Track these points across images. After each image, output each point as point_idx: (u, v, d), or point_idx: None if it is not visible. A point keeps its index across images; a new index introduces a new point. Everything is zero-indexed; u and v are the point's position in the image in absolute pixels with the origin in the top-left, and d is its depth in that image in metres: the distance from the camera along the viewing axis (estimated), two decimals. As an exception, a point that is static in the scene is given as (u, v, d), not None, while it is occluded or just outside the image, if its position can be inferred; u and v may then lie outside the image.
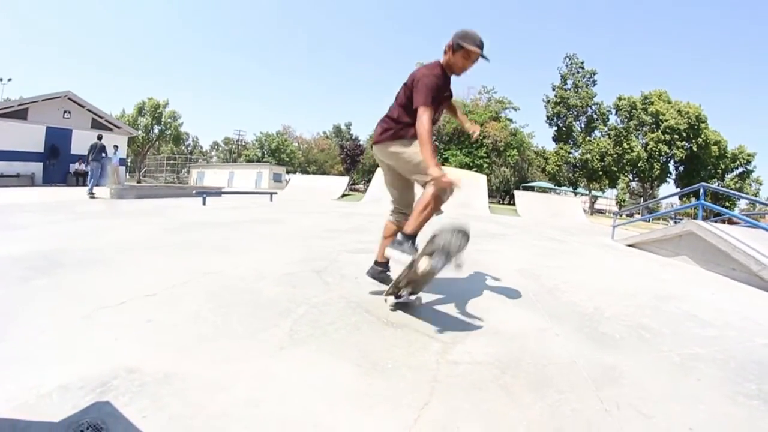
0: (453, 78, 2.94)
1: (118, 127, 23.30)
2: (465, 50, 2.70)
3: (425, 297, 3.06)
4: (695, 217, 8.51)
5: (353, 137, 69.18)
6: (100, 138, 13.07)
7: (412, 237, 2.64)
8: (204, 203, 10.45)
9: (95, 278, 3.07)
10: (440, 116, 3.07)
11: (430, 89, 2.63)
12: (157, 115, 51.13)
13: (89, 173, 12.86)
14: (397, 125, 2.81)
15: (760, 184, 51.74)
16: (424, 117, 2.55)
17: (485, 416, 1.62)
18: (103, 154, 12.63)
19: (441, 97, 2.80)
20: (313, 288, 3.12)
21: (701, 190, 8.11)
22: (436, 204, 2.69)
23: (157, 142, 54.74)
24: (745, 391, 2.06)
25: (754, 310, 3.89)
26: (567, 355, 2.31)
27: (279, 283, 3.18)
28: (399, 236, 2.71)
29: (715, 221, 11.15)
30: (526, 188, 48.64)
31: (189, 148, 68.11)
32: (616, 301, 3.58)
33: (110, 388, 1.55)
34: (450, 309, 2.89)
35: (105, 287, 2.85)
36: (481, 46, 2.69)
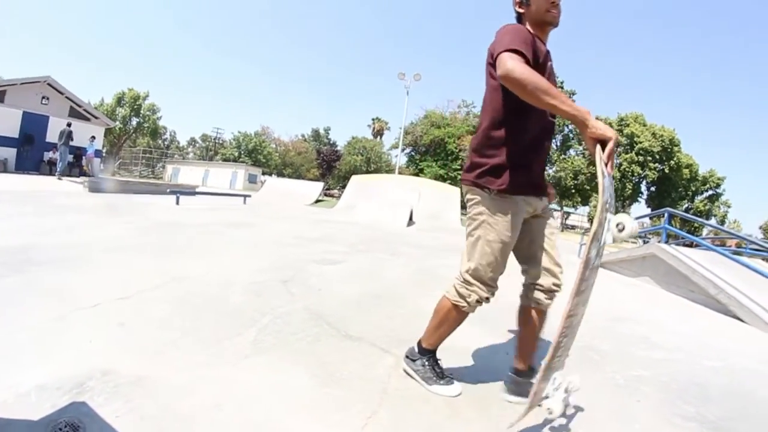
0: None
1: (96, 117, 22.44)
2: None
3: (380, 311, 3.24)
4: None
5: (331, 142, 69.20)
6: (69, 125, 13.00)
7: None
8: (177, 202, 10.42)
9: (69, 278, 3.14)
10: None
11: (514, 36, 1.76)
12: (136, 106, 50.25)
13: (58, 157, 12.89)
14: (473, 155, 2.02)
15: (729, 207, 53.98)
16: (509, 62, 1.64)
17: (427, 426, 1.77)
18: (71, 141, 12.61)
19: (539, 62, 1.84)
20: (279, 298, 3.24)
21: (666, 214, 8.51)
22: None
23: (134, 135, 53.67)
24: (683, 413, 2.21)
25: (707, 332, 4.14)
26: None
27: (246, 292, 3.30)
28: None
29: (688, 243, 11.67)
30: None
31: (166, 143, 66.86)
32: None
33: (86, 389, 1.66)
34: (407, 324, 3.02)
35: (79, 288, 2.92)
36: None
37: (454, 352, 2.63)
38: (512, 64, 1.63)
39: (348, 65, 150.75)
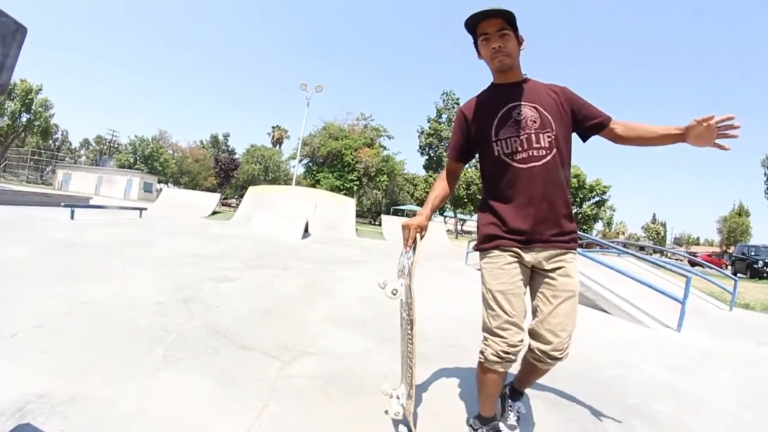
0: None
1: None
2: (474, 37, 1.92)
3: (269, 324, 3.63)
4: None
5: (230, 149, 66.53)
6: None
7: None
8: (72, 217, 9.83)
9: None
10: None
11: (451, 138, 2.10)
12: (27, 101, 42.60)
13: None
14: None
15: (614, 211, 58.61)
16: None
17: (307, 413, 2.23)
18: None
19: (485, 118, 1.93)
20: (181, 317, 3.51)
21: None
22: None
23: (23, 133, 45.85)
24: (528, 393, 2.53)
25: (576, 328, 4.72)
26: (381, 370, 2.84)
27: (151, 313, 3.51)
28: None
29: (580, 244, 12.86)
30: (396, 211, 50.19)
31: (57, 143, 59.97)
32: (443, 324, 4.12)
33: (27, 412, 1.87)
34: (292, 334, 3.46)
35: None
36: (472, 17, 1.80)
37: (334, 356, 3.09)
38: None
39: (250, 72, 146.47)
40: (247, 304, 4.19)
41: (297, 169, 38.89)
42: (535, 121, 1.82)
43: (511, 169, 1.84)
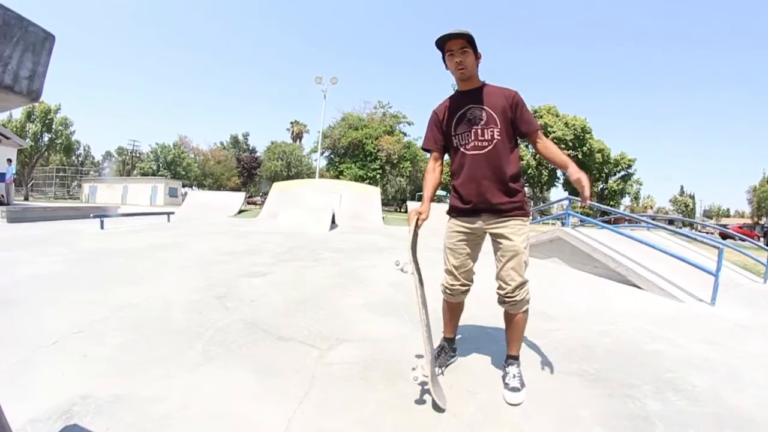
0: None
1: (7, 138, 19.35)
2: (442, 53, 2.43)
3: (305, 315, 3.66)
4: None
5: (250, 148, 67.29)
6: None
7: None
8: (102, 227, 10.10)
9: (19, 320, 3.19)
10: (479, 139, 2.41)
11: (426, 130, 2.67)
12: (47, 121, 45.17)
13: None
14: None
15: (640, 185, 57.69)
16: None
17: (348, 399, 2.25)
18: None
19: (454, 119, 2.48)
20: (217, 313, 3.56)
21: (567, 201, 9.23)
22: None
23: (46, 152, 48.18)
24: (565, 370, 2.63)
25: (604, 301, 4.62)
26: (418, 353, 2.81)
27: (187, 311, 3.58)
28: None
29: (607, 221, 12.71)
30: (422, 197, 49.73)
31: (80, 159, 61.88)
32: (475, 305, 3.97)
33: (73, 414, 1.92)
34: (328, 322, 3.49)
35: (34, 328, 3.01)
36: (441, 37, 2.32)
37: (370, 342, 3.12)
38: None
39: (264, 70, 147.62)
40: (281, 296, 4.21)
41: (319, 162, 39.13)
42: (482, 119, 2.38)
43: (464, 156, 2.45)
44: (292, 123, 71.25)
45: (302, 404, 2.16)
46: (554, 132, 48.13)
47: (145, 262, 5.80)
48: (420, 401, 2.24)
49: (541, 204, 47.52)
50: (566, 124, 49.19)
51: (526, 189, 59.52)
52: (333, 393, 2.30)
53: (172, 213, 13.78)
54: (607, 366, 2.75)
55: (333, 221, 13.29)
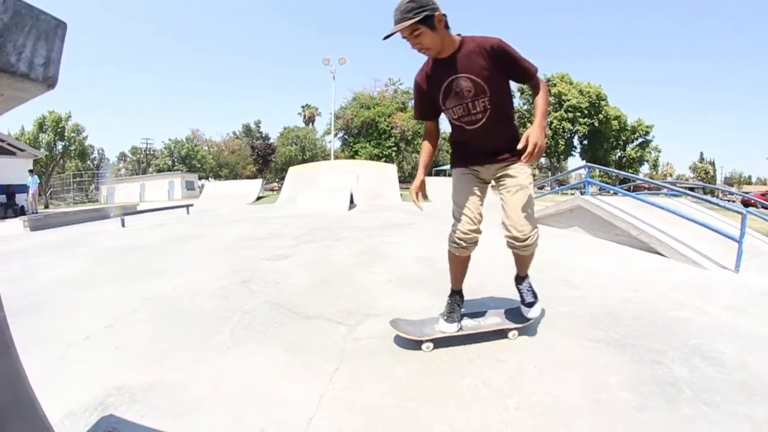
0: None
1: (22, 150, 20.20)
2: None
3: (330, 293, 3.70)
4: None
5: (263, 135, 67.57)
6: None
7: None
8: (123, 225, 10.30)
9: (52, 319, 3.28)
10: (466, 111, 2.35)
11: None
12: (59, 129, 45.95)
13: None
14: None
15: (659, 152, 56.72)
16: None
17: (377, 371, 2.29)
18: None
19: (436, 88, 2.37)
20: (242, 297, 3.62)
21: (587, 169, 9.14)
22: None
23: (61, 160, 49.36)
24: (592, 337, 2.65)
25: (626, 269, 4.61)
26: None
27: (213, 297, 3.65)
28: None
29: (629, 187, 12.47)
30: (438, 172, 49.56)
31: (95, 163, 63.09)
32: (499, 275, 4.08)
33: (108, 405, 1.98)
34: (353, 299, 3.53)
35: (65, 326, 3.10)
36: (386, 38, 2.16)
37: (397, 315, 3.14)
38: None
39: (270, 56, 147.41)
40: (305, 276, 4.25)
41: (333, 143, 39.12)
42: (470, 91, 2.25)
43: (461, 129, 2.42)
44: (303, 107, 71.25)
45: (333, 379, 2.20)
46: (569, 100, 47.49)
47: (168, 254, 5.92)
48: (450, 371, 2.27)
49: (559, 173, 46.74)
50: (581, 91, 48.53)
51: (542, 159, 58.81)
52: (363, 367, 2.34)
53: (191, 205, 13.96)
54: (633, 332, 2.75)
55: (351, 201, 13.31)
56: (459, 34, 2.27)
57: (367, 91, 47.11)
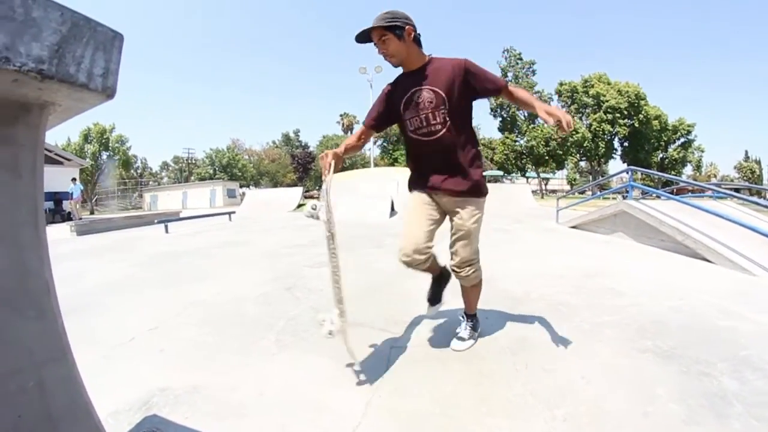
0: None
1: (69, 160, 21.87)
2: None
3: (374, 300, 3.66)
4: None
5: (303, 144, 69.01)
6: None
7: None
8: (167, 231, 10.60)
9: (97, 321, 3.37)
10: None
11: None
12: (104, 140, 49.11)
13: None
14: None
15: (702, 152, 54.49)
16: None
17: (423, 379, 2.22)
18: None
19: (402, 101, 2.39)
20: (287, 304, 3.62)
21: (629, 173, 8.91)
22: None
23: (106, 169, 52.31)
24: (639, 346, 2.58)
25: (673, 276, 4.45)
26: (492, 333, 2.85)
27: (258, 303, 3.66)
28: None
29: (672, 190, 12.06)
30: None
31: (138, 171, 65.88)
32: (545, 283, 4.11)
33: (152, 405, 1.99)
34: (398, 306, 3.47)
35: (109, 328, 3.17)
36: (356, 38, 2.30)
37: (442, 324, 3.11)
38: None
39: (308, 65, 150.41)
40: (348, 284, 4.14)
41: (372, 151, 39.38)
42: (431, 102, 2.28)
43: (418, 141, 2.39)
44: (341, 116, 72.21)
45: (379, 388, 2.14)
46: (607, 101, 46.24)
47: (212, 260, 6.03)
48: (497, 380, 2.22)
49: (600, 178, 45.43)
50: (619, 91, 47.08)
51: (582, 163, 57.35)
52: (409, 375, 2.29)
53: (233, 212, 14.27)
54: (681, 342, 2.66)
55: (392, 208, 13.29)
56: (430, 54, 2.38)
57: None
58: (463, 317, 2.78)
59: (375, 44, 2.29)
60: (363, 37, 2.28)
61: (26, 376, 1.02)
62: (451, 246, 2.53)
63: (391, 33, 2.22)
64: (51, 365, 1.09)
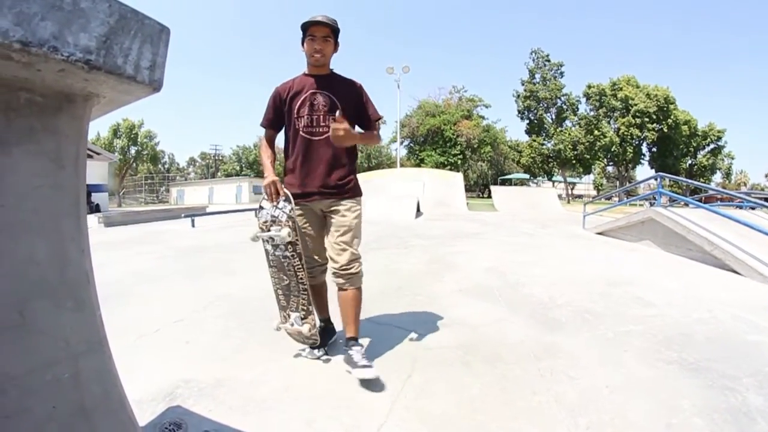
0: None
1: (98, 154, 22.58)
2: (303, 34, 2.48)
3: (401, 300, 3.67)
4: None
5: (329, 143, 69.51)
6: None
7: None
8: (193, 225, 10.80)
9: (123, 311, 3.42)
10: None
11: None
12: (132, 136, 50.21)
13: None
14: None
15: (732, 159, 53.04)
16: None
17: (449, 381, 2.24)
18: None
19: (294, 99, 2.55)
20: (312, 300, 3.64)
21: (658, 179, 8.76)
22: None
23: (134, 163, 53.75)
24: (665, 358, 2.56)
25: (700, 287, 4.37)
26: (517, 337, 2.86)
27: (283, 299, 3.69)
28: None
29: (700, 198, 11.76)
30: (503, 181, 48.94)
31: (166, 166, 67.26)
32: (571, 289, 4.08)
33: (176, 396, 2.03)
34: (425, 308, 3.49)
35: (136, 318, 3.25)
36: (308, 22, 2.42)
37: (468, 326, 3.09)
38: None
39: (335, 63, 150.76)
40: (375, 283, 4.21)
41: (399, 151, 39.29)
42: (325, 105, 2.49)
43: (302, 139, 2.53)
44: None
45: (405, 387, 2.17)
46: (636, 104, 45.13)
47: (238, 255, 6.12)
48: (522, 386, 2.22)
49: (627, 184, 44.37)
50: (648, 95, 45.94)
51: (609, 168, 56.21)
52: (435, 376, 2.31)
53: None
54: (707, 355, 2.63)
55: (418, 209, 13.30)
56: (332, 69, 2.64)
57: (432, 98, 47.29)
58: (350, 344, 2.43)
59: (312, 37, 2.44)
60: (307, 26, 2.43)
61: (62, 368, 1.03)
62: (333, 244, 2.55)
63: (334, 38, 2.51)
64: (87, 356, 1.10)
